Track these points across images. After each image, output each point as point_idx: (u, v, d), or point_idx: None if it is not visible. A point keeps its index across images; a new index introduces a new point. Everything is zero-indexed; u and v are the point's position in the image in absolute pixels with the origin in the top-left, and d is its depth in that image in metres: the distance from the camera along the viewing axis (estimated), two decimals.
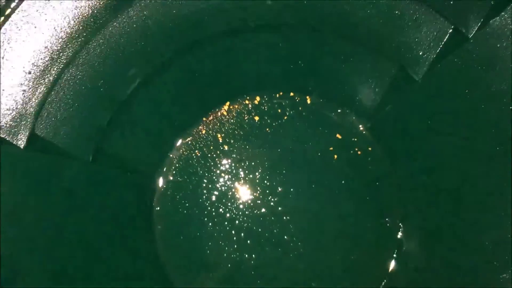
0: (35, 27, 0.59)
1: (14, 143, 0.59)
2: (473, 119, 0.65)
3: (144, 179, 0.74)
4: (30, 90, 0.60)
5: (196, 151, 0.75)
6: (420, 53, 0.68)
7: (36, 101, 0.63)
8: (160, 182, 0.74)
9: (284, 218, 0.73)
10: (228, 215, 0.73)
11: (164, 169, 0.74)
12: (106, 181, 0.70)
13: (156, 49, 0.68)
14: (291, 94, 0.74)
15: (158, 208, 0.75)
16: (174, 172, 0.75)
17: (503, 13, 0.58)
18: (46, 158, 0.63)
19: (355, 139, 0.73)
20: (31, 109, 0.61)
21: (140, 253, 0.71)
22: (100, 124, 0.67)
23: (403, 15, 0.65)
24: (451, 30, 0.63)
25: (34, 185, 0.63)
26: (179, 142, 0.74)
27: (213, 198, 0.74)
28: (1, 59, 0.58)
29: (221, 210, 0.74)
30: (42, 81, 0.61)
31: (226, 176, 0.75)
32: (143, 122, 0.72)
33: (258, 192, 0.74)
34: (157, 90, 0.70)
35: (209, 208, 0.72)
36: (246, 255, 0.73)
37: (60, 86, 0.62)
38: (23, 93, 0.60)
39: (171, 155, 0.73)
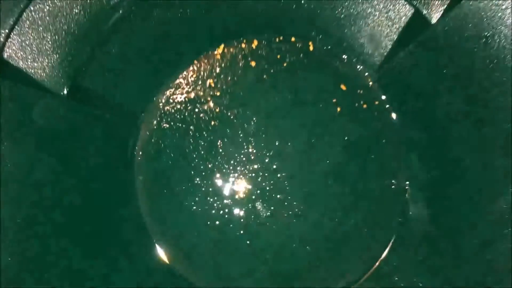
0: None
1: None
2: (487, 77, 0.58)
3: (126, 122, 0.66)
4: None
5: (184, 95, 0.68)
6: None
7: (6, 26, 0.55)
8: (144, 127, 0.66)
9: (279, 175, 0.66)
10: (216, 169, 0.66)
11: (149, 114, 0.65)
12: (82, 122, 0.62)
13: None
14: (292, 39, 0.67)
15: (140, 156, 0.67)
16: (159, 117, 0.68)
17: None
18: (17, 88, 0.55)
19: (361, 91, 0.67)
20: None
21: (120, 211, 0.64)
22: (79, 57, 0.59)
23: None
24: None
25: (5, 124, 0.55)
26: (166, 85, 0.65)
27: (201, 149, 0.66)
28: None
29: (209, 164, 0.66)
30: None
31: (217, 125, 0.67)
32: (127, 59, 0.64)
33: (252, 145, 0.66)
34: (144, 24, 0.63)
35: (196, 160, 0.65)
36: (235, 214, 0.66)
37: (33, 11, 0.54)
38: None
39: (156, 99, 0.65)
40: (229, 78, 0.69)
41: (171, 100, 0.69)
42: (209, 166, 0.67)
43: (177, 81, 0.69)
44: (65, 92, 0.60)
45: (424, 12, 0.63)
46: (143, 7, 0.63)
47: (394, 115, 0.69)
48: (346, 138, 0.68)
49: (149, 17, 0.65)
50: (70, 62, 0.61)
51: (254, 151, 0.67)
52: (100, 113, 0.64)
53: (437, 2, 0.63)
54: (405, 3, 0.64)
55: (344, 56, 0.68)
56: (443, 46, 0.64)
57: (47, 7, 0.57)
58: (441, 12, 0.62)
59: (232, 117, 0.68)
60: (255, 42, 0.70)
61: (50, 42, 0.60)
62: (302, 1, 0.68)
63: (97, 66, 0.62)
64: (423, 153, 0.66)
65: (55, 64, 0.60)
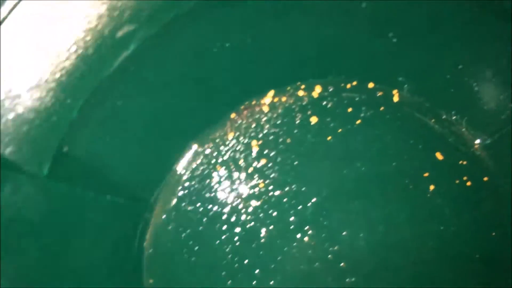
0: None
1: None
2: None
3: (132, 205, 0.45)
4: None
5: (217, 165, 0.47)
6: None
7: None
8: (157, 211, 0.46)
9: (347, 279, 0.46)
10: (258, 269, 0.46)
11: (166, 192, 0.44)
12: (72, 208, 0.42)
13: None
14: (370, 84, 0.45)
15: (152, 250, 0.46)
16: (180, 196, 0.47)
17: None
18: None
19: (464, 162, 0.45)
20: None
21: None
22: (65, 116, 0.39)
23: None
24: None
25: None
26: (191, 150, 0.44)
27: (236, 240, 0.46)
28: None
29: (247, 261, 0.45)
30: None
31: (261, 207, 0.47)
32: (133, 116, 0.43)
33: (308, 235, 0.46)
34: (159, 64, 0.41)
35: (229, 256, 0.45)
36: None
37: None
38: None
39: (177, 170, 0.44)
40: (280, 141, 0.48)
41: (197, 171, 0.48)
42: (247, 264, 0.46)
43: (207, 144, 0.48)
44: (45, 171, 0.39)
45: None
46: (161, 41, 0.42)
47: (509, 199, 0.48)
48: (441, 228, 0.47)
49: (166, 53, 0.43)
50: (52, 128, 0.39)
51: (312, 243, 0.47)
52: (94, 194, 0.43)
53: None
54: None
55: (443, 114, 0.46)
56: None
57: None
58: None
59: (281, 197, 0.47)
60: (318, 88, 0.49)
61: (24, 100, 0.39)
62: (390, 35, 0.46)
63: (89, 127, 0.41)
64: None
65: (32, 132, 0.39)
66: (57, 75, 0.39)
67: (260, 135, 0.50)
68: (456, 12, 0.45)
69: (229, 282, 0.49)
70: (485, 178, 0.51)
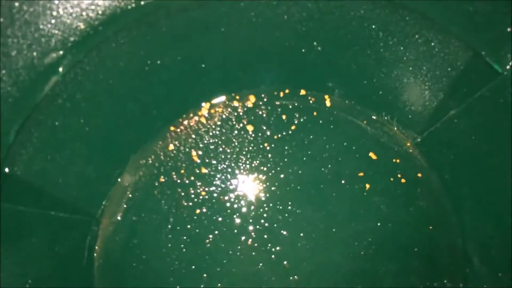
0: None
1: None
2: None
3: (79, 219, 0.47)
4: None
5: (161, 176, 0.49)
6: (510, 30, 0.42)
7: None
8: (104, 222, 0.48)
9: (291, 277, 0.48)
10: (205, 274, 0.48)
11: (112, 204, 0.47)
12: (18, 227, 0.44)
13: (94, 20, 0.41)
14: (302, 92, 0.47)
15: (101, 261, 0.49)
16: (126, 207, 0.49)
17: None
18: None
19: (397, 161, 0.47)
20: None
21: None
22: (2, 140, 0.41)
23: None
24: None
25: None
26: (134, 162, 0.47)
27: (183, 247, 0.48)
28: None
29: (194, 267, 0.48)
30: None
31: (204, 214, 0.49)
32: (72, 134, 0.45)
33: (251, 238, 0.48)
34: (91, 86, 0.44)
35: (176, 263, 0.47)
36: None
37: None
38: None
39: (121, 183, 0.47)
40: (219, 150, 0.50)
41: (140, 183, 0.50)
42: (194, 269, 0.49)
43: (149, 156, 0.50)
44: None
45: (489, 58, 0.44)
46: (94, 62, 0.44)
47: (442, 193, 0.50)
48: (378, 224, 0.49)
49: (103, 71, 0.46)
50: None
51: (256, 245, 0.49)
52: (37, 213, 0.45)
53: (508, 46, 0.43)
54: (464, 45, 0.44)
55: (374, 115, 0.48)
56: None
57: None
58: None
59: (224, 203, 0.49)
60: (252, 98, 0.51)
61: None
62: (315, 43, 0.48)
63: (31, 147, 0.44)
64: (487, 248, 0.48)
65: None
66: None
67: (200, 145, 0.52)
68: (374, 19, 0.47)
69: (178, 287, 0.51)
70: (419, 175, 0.52)
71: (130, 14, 0.43)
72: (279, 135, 0.52)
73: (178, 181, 0.52)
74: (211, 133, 0.52)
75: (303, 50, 0.50)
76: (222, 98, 0.52)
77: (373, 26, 0.48)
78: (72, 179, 0.49)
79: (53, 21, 0.42)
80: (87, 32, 0.43)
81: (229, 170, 0.52)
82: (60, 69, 0.43)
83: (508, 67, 0.45)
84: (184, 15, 0.45)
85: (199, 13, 0.46)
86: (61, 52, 0.42)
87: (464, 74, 0.48)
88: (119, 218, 0.51)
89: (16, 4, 0.40)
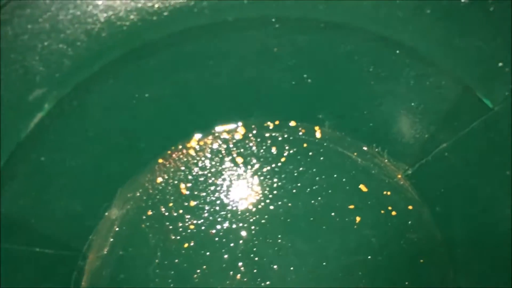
0: None
1: None
2: None
3: (65, 255, 0.46)
4: None
5: (148, 210, 0.48)
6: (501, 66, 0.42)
7: None
8: (92, 257, 0.47)
9: None
10: None
11: (99, 238, 0.46)
12: (2, 264, 0.43)
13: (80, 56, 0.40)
14: (292, 123, 0.47)
15: None
16: (113, 241, 0.48)
17: None
18: None
19: (388, 193, 0.46)
20: None
21: None
22: None
23: None
24: None
25: None
26: (122, 196, 0.46)
27: (171, 282, 0.47)
28: None
29: None
30: None
31: (193, 248, 0.48)
32: (58, 169, 0.44)
33: (241, 273, 0.47)
34: (77, 121, 0.43)
35: None
36: None
37: None
38: None
39: (109, 216, 0.46)
40: (208, 182, 0.49)
41: (128, 216, 0.49)
42: None
43: (137, 190, 0.49)
44: None
45: (480, 93, 0.43)
46: (79, 97, 0.43)
47: (435, 226, 0.49)
48: (369, 257, 0.49)
49: (89, 105, 0.45)
50: None
51: (245, 280, 0.48)
52: (21, 249, 0.44)
53: (499, 82, 0.43)
54: (456, 80, 0.44)
55: (365, 147, 0.48)
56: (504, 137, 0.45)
57: None
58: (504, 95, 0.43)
59: (212, 236, 0.49)
60: (241, 130, 0.50)
61: None
62: (305, 75, 0.47)
63: (13, 190, 0.43)
64: (479, 280, 0.47)
65: None
66: None
67: (189, 177, 0.51)
68: (364, 53, 0.47)
69: None
70: (410, 207, 0.52)
71: (116, 50, 0.42)
72: (269, 167, 0.52)
73: (166, 214, 0.51)
74: (200, 165, 0.51)
75: (293, 83, 0.49)
76: (212, 130, 0.51)
77: (363, 60, 0.47)
78: (58, 214, 0.48)
79: (37, 57, 0.41)
80: (73, 68, 0.42)
81: (218, 202, 0.51)
82: (46, 105, 0.42)
83: (499, 102, 0.44)
84: (171, 49, 0.45)
85: (187, 47, 0.46)
86: (46, 89, 0.42)
87: (455, 108, 0.47)
88: (105, 252, 0.50)
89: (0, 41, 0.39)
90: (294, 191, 0.51)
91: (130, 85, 0.46)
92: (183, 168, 0.51)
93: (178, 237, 0.50)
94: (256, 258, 0.50)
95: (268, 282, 0.50)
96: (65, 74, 0.42)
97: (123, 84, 0.46)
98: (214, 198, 0.51)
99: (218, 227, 0.51)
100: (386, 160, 0.52)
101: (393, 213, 0.51)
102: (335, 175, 0.51)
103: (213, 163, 0.51)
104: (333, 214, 0.51)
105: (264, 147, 0.51)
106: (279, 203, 0.51)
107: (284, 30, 0.46)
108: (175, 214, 0.51)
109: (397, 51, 0.46)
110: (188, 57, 0.47)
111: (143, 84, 0.47)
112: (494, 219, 0.48)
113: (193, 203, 0.51)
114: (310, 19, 0.46)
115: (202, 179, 0.51)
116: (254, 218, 0.51)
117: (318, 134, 0.52)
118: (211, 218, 0.51)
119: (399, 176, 0.52)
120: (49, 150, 0.45)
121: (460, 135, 0.47)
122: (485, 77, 0.44)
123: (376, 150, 0.52)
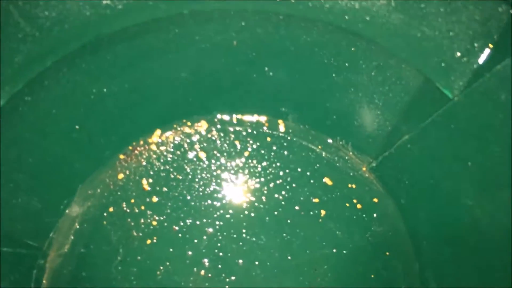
0: None
1: None
2: None
3: (24, 254, 0.46)
4: None
5: (110, 207, 0.47)
6: (459, 56, 0.41)
7: None
8: (53, 255, 0.46)
9: None
10: None
11: (59, 236, 0.45)
12: None
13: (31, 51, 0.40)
14: (255, 117, 0.46)
15: None
16: (74, 239, 0.47)
17: None
18: None
19: (353, 186, 0.46)
20: None
21: None
22: None
23: None
24: None
25: None
26: (82, 193, 0.45)
27: (133, 279, 0.47)
28: None
29: None
30: None
31: (155, 245, 0.47)
32: (15, 166, 0.43)
33: (205, 269, 0.47)
34: (33, 117, 0.42)
35: None
36: None
37: None
38: None
39: (69, 214, 0.45)
40: (171, 177, 0.49)
41: (89, 213, 0.48)
42: None
43: (97, 186, 0.49)
44: None
45: (439, 84, 0.43)
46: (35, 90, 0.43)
47: (399, 218, 0.49)
48: (334, 251, 0.48)
49: (45, 99, 0.44)
50: None
51: (209, 276, 0.47)
52: None
53: (458, 72, 0.43)
54: (415, 71, 0.44)
55: (329, 140, 0.48)
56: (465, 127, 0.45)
57: None
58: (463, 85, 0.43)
59: (175, 233, 0.48)
60: (204, 124, 0.50)
61: None
62: (266, 68, 0.47)
63: None
64: (444, 273, 0.47)
65: None
66: None
67: (151, 173, 0.51)
68: (325, 45, 0.46)
69: None
70: (375, 200, 0.52)
71: (70, 45, 0.42)
72: (232, 162, 0.51)
73: (128, 210, 0.50)
74: (162, 161, 0.50)
75: (254, 76, 0.49)
76: (173, 124, 0.51)
77: (324, 52, 0.47)
78: (16, 212, 0.47)
79: None
80: (24, 64, 0.41)
81: (181, 198, 0.51)
82: None
83: (458, 92, 0.44)
84: (127, 43, 0.44)
85: (144, 40, 0.45)
86: None
87: (416, 99, 0.47)
88: (66, 250, 0.49)
89: None
90: (258, 185, 0.50)
91: (87, 80, 0.45)
92: (144, 163, 0.50)
93: (141, 234, 0.50)
94: (221, 254, 0.50)
95: (233, 278, 0.49)
96: (16, 69, 0.41)
97: (79, 79, 0.45)
98: (176, 194, 0.50)
99: (181, 223, 0.50)
100: (350, 153, 0.51)
101: (358, 206, 0.51)
102: (299, 169, 0.51)
103: (176, 158, 0.50)
104: (297, 208, 0.51)
105: (227, 142, 0.51)
106: (243, 198, 0.50)
107: (243, 23, 0.46)
108: (137, 210, 0.50)
109: (357, 43, 0.46)
110: (145, 51, 0.46)
111: (100, 79, 0.46)
112: (457, 211, 0.48)
113: (155, 199, 0.50)
114: (269, 12, 0.45)
115: (164, 174, 0.50)
116: (217, 213, 0.50)
117: (281, 128, 0.51)
118: (174, 214, 0.50)
119: (364, 168, 0.51)
120: (4, 146, 0.44)
121: (422, 127, 0.47)
122: (443, 67, 0.44)
123: (341, 143, 0.51)
